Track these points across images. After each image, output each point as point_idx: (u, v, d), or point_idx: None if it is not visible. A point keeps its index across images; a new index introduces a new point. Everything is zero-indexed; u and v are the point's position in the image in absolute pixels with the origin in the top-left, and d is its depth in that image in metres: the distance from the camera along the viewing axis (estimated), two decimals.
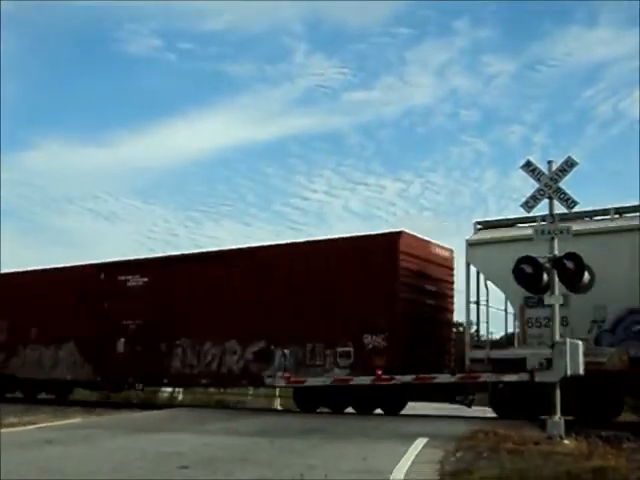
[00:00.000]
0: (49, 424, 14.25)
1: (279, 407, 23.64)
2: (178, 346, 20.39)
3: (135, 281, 21.83)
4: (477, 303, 17.32)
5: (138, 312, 21.25)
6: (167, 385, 25.27)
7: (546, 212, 13.14)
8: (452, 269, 19.17)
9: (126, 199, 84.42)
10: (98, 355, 21.96)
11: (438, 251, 18.88)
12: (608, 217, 16.36)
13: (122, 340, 21.58)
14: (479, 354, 16.87)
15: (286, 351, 18.31)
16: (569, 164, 12.92)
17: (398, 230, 18.05)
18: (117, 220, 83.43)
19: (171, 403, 24.71)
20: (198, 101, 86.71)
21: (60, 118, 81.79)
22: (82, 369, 22.39)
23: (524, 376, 13.69)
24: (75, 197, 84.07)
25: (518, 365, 14.01)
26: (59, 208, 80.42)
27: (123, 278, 22.02)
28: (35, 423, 14.24)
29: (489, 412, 17.51)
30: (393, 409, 18.04)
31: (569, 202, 12.77)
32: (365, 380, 16.79)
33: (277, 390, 24.11)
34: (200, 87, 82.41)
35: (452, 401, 17.70)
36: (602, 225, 16.19)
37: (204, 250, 22.56)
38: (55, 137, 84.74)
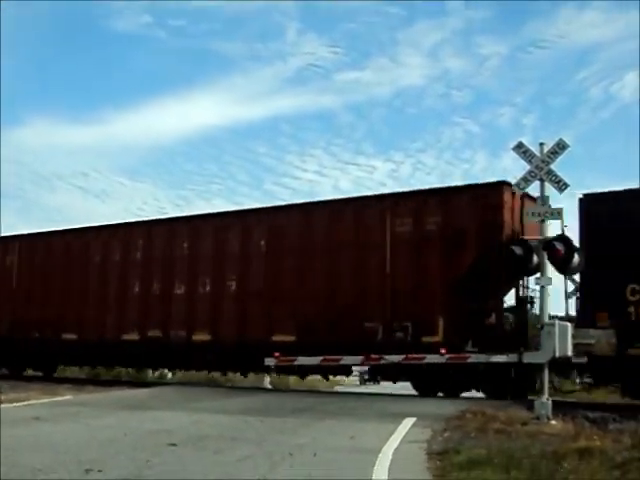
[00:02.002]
0: (38, 401, 14.25)
1: (269, 386, 23.69)
2: None
3: None
4: None
5: None
6: None
7: None
8: None
9: (116, 177, 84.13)
10: None
11: None
12: None
13: None
14: None
15: None
16: (561, 146, 12.94)
17: None
18: (107, 198, 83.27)
19: (161, 381, 24.71)
20: (188, 79, 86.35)
21: (48, 95, 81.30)
22: None
23: (513, 357, 13.78)
24: (64, 175, 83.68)
25: None
26: (49, 185, 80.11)
27: None
28: (24, 400, 14.24)
29: (478, 393, 17.60)
30: None
31: (560, 184, 12.80)
32: (355, 360, 16.87)
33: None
34: (190, 65, 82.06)
35: None
36: None
37: None
38: (43, 114, 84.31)
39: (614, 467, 7.40)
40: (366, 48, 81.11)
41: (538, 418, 11.87)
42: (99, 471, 7.02)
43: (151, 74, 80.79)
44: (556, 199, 12.93)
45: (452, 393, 16.34)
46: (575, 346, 12.83)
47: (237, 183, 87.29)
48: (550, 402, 12.24)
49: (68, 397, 15.63)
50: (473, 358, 15.29)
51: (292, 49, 79.78)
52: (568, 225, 13.40)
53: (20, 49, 72.55)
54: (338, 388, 29.57)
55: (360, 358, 16.71)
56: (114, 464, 7.47)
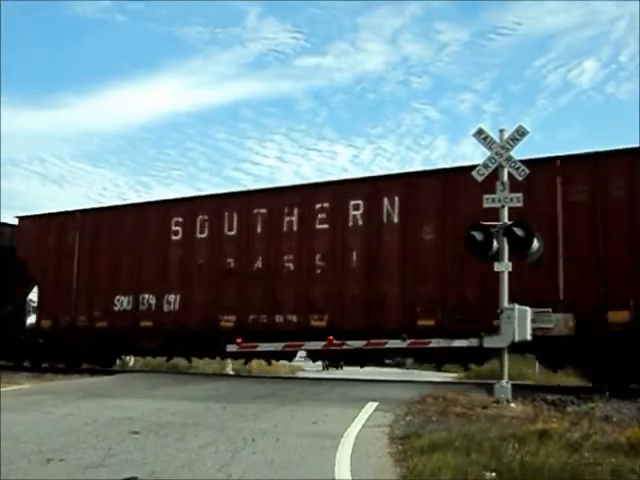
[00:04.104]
0: None
1: (231, 372, 23.69)
2: None
3: None
4: None
5: None
6: None
7: None
8: None
9: (75, 162, 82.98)
10: None
11: None
12: None
13: None
14: None
15: None
16: (520, 133, 13.06)
17: None
18: (66, 184, 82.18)
19: (122, 368, 24.57)
20: (148, 64, 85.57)
21: (5, 79, 79.82)
22: None
23: (474, 341, 13.91)
24: (21, 160, 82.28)
25: None
26: (4, 171, 78.76)
27: None
28: None
29: (438, 377, 17.79)
30: None
31: (520, 170, 12.92)
32: (317, 345, 16.88)
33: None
34: (150, 50, 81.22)
35: None
36: None
37: None
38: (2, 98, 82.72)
39: (569, 447, 7.55)
40: (327, 33, 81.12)
41: (498, 401, 12.04)
42: (61, 460, 6.98)
43: (111, 59, 79.88)
44: None
45: None
46: (534, 330, 12.98)
47: (198, 169, 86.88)
48: (510, 385, 12.42)
49: (28, 386, 15.48)
50: (434, 343, 15.41)
51: (252, 34, 79.47)
52: None
53: None
54: (300, 374, 29.67)
55: (322, 344, 16.75)
56: (76, 453, 7.42)
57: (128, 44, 78.80)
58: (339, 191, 18.05)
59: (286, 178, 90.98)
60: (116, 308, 20.57)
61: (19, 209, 76.28)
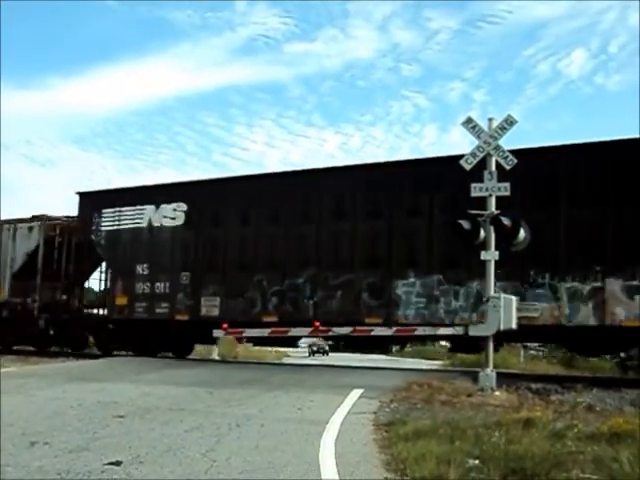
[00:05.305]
0: None
1: (217, 357, 23.71)
2: None
3: None
4: None
5: None
6: None
7: None
8: None
9: (63, 146, 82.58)
10: None
11: None
12: None
13: None
14: None
15: None
16: (509, 122, 13.06)
17: None
18: (53, 167, 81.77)
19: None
20: (138, 47, 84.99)
21: None
22: None
23: (459, 330, 13.96)
24: (7, 143, 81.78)
25: None
26: None
27: None
28: None
29: (424, 364, 17.87)
30: None
31: (508, 160, 12.93)
32: (303, 331, 16.91)
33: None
34: (140, 33, 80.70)
35: None
36: None
37: None
38: None
39: (553, 436, 7.60)
40: (317, 19, 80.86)
41: (483, 390, 12.11)
42: (45, 444, 6.97)
43: (101, 41, 79.37)
44: None
45: None
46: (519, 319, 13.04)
47: (186, 154, 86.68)
48: (494, 374, 12.49)
49: (13, 369, 15.43)
50: (420, 331, 15.47)
51: (242, 19, 79.17)
52: None
53: None
54: (286, 359, 29.74)
55: (308, 330, 16.78)
56: (60, 437, 7.41)
57: (118, 27, 78.41)
58: None
59: (275, 164, 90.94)
60: None
61: (5, 193, 75.69)
